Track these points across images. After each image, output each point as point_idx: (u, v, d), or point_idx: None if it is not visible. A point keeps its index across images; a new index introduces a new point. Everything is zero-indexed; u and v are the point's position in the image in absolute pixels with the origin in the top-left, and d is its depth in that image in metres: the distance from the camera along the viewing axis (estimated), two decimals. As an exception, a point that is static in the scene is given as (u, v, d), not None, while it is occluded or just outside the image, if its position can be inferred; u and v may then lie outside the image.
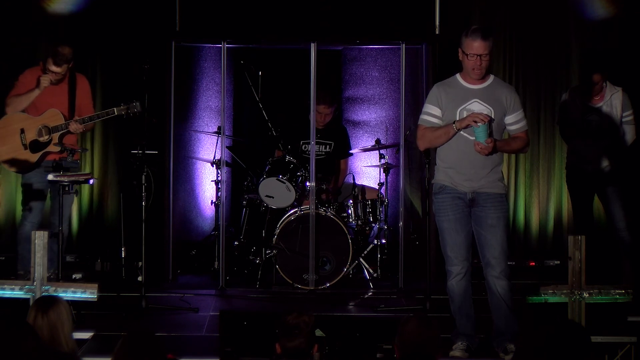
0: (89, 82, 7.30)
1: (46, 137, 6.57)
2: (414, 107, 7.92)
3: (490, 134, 5.36)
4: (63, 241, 6.31)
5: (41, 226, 6.54)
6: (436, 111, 5.51)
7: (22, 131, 6.59)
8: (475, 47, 5.40)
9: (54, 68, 6.54)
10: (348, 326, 5.13)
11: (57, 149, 6.57)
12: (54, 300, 4.13)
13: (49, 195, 6.73)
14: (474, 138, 5.41)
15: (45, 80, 6.52)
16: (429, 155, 6.09)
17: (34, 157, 6.59)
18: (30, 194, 6.66)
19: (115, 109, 6.62)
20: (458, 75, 5.57)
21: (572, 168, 7.13)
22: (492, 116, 5.43)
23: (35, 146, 6.59)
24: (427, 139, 5.53)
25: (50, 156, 6.62)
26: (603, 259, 6.90)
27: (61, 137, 6.59)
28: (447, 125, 5.44)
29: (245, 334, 5.14)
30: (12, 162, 6.62)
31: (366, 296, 7.37)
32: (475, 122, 5.31)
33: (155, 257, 7.53)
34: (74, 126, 6.55)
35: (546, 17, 8.22)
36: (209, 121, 8.70)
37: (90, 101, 6.83)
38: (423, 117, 5.57)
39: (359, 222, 7.79)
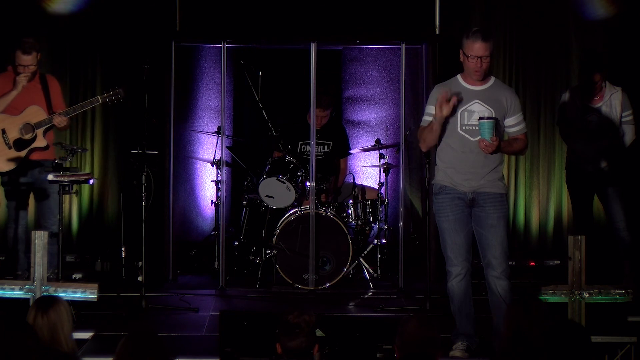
0: (89, 82, 7.32)
1: (30, 134, 6.57)
2: (414, 107, 7.93)
3: (495, 133, 5.36)
4: (62, 241, 6.32)
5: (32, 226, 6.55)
6: (438, 112, 5.51)
7: (4, 132, 6.58)
8: (475, 49, 5.40)
9: (24, 58, 6.53)
10: (348, 326, 5.12)
11: (44, 144, 6.57)
12: (54, 300, 4.13)
13: (32, 197, 6.73)
14: (474, 139, 5.42)
15: (22, 79, 6.52)
16: (429, 155, 6.09)
17: (21, 155, 6.59)
18: (15, 194, 6.66)
19: (99, 97, 6.64)
20: (459, 76, 5.57)
21: (572, 168, 7.13)
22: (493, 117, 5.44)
23: (19, 144, 6.59)
24: (421, 138, 5.56)
25: (35, 155, 6.60)
26: (603, 259, 6.90)
27: (45, 133, 6.59)
28: (431, 122, 5.46)
29: (245, 334, 5.14)
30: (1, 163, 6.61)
31: (366, 296, 7.37)
32: (441, 108, 5.32)
33: (155, 257, 7.53)
34: (58, 119, 6.55)
35: (546, 17, 8.23)
36: (209, 121, 8.71)
37: (62, 101, 6.83)
38: (425, 118, 5.57)
39: (359, 222, 7.79)
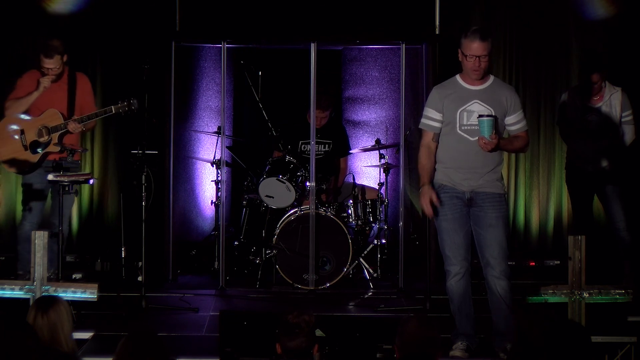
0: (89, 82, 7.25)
1: (46, 137, 6.57)
2: (414, 107, 7.93)
3: (495, 131, 5.36)
4: (63, 241, 6.31)
5: (41, 226, 6.53)
6: (436, 115, 5.52)
7: (22, 132, 6.59)
8: (473, 48, 5.40)
9: (47, 62, 6.52)
10: (348, 326, 5.12)
11: (57, 148, 6.57)
12: (54, 300, 4.13)
13: (49, 195, 6.74)
14: (473, 139, 5.42)
15: (45, 81, 6.52)
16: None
17: (34, 158, 6.59)
18: (31, 194, 6.66)
19: (113, 107, 6.62)
20: (458, 77, 5.57)
21: (572, 168, 7.13)
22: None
23: (35, 147, 6.59)
24: (418, 161, 5.60)
25: (50, 156, 6.62)
26: (603, 259, 6.90)
27: (61, 137, 6.59)
28: (423, 182, 5.51)
29: (245, 334, 5.14)
30: (13, 163, 6.62)
31: (366, 296, 7.37)
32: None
33: (155, 257, 7.53)
34: (72, 126, 6.55)
35: (546, 17, 8.23)
36: (209, 121, 8.71)
37: (92, 99, 6.83)
38: (424, 121, 5.57)
39: (359, 222, 7.79)
